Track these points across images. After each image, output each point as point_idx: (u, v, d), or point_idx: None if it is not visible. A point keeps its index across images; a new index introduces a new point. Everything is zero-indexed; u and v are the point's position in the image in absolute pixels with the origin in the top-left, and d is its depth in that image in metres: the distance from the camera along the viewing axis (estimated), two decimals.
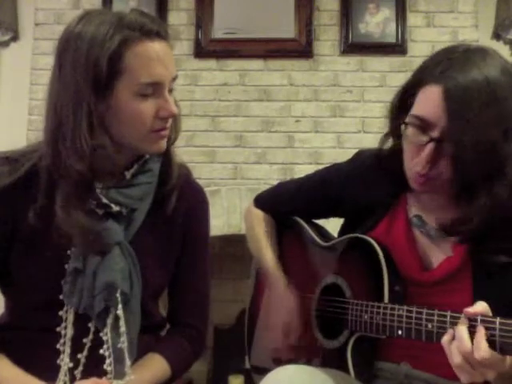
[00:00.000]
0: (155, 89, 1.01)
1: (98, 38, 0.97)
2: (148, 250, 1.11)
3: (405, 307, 0.99)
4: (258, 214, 1.40)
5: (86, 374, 1.02)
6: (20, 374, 1.00)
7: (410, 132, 1.01)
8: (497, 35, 2.81)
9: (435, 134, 0.98)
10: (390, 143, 1.16)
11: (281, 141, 2.69)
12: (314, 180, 1.32)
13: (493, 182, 0.96)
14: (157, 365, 1.12)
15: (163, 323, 1.23)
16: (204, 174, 2.63)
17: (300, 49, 2.70)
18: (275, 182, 1.45)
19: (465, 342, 0.84)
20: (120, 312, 1.04)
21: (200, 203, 1.23)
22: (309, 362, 1.18)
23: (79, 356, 1.04)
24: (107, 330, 1.04)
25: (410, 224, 1.14)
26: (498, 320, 0.84)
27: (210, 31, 2.72)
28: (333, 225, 1.34)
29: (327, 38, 2.73)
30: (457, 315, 0.89)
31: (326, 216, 1.37)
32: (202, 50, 2.72)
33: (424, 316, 0.94)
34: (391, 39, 2.69)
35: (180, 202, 1.16)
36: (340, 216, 1.31)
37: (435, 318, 0.93)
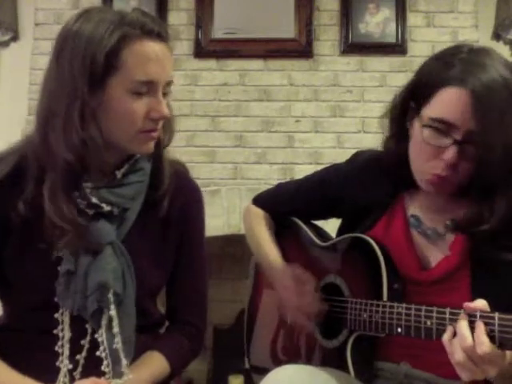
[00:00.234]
0: (149, 88, 1.00)
1: (96, 34, 0.97)
2: (142, 249, 1.11)
3: (404, 305, 0.99)
4: (258, 213, 1.40)
5: (85, 375, 1.02)
6: (18, 378, 1.00)
7: (428, 134, 1.01)
8: (497, 35, 2.81)
9: (458, 136, 0.98)
10: (389, 143, 1.16)
11: (281, 141, 2.69)
12: (313, 181, 1.33)
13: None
14: (156, 362, 1.12)
15: (162, 321, 1.22)
16: (204, 174, 2.63)
17: (300, 49, 2.70)
18: (275, 182, 1.45)
19: (466, 337, 0.84)
20: (113, 312, 1.03)
21: (195, 201, 1.22)
22: (308, 362, 1.18)
23: (78, 357, 1.04)
24: (102, 330, 1.03)
25: (408, 224, 1.15)
26: (496, 315, 0.85)
27: (209, 31, 2.72)
28: (331, 225, 1.34)
29: (327, 38, 2.73)
30: (456, 311, 0.90)
31: (324, 216, 1.37)
32: (202, 50, 2.72)
33: (423, 313, 0.95)
34: (391, 39, 2.69)
35: (175, 200, 1.15)
36: (338, 216, 1.32)
37: (434, 314, 0.93)
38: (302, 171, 2.55)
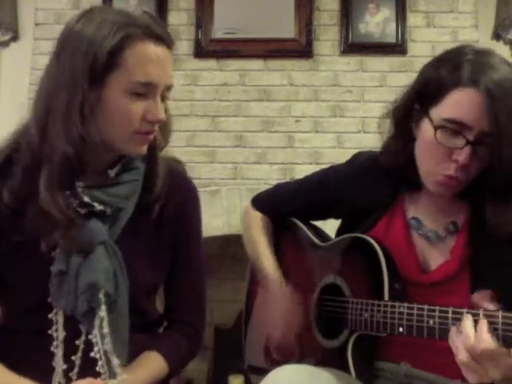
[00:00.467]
0: (148, 90, 1.00)
1: (98, 35, 0.97)
2: (135, 249, 1.10)
3: (405, 304, 0.99)
4: (256, 216, 1.40)
5: (81, 376, 1.02)
6: (15, 379, 1.00)
7: (441, 135, 1.01)
8: (497, 35, 2.80)
9: (471, 136, 0.98)
10: (391, 144, 1.16)
11: (281, 141, 2.69)
12: (313, 181, 1.32)
13: None
14: (153, 362, 1.12)
15: (160, 320, 1.22)
16: (204, 174, 2.63)
17: (300, 49, 2.70)
18: (275, 182, 1.45)
19: (470, 336, 0.84)
20: (103, 313, 1.02)
21: (191, 201, 1.21)
22: (308, 362, 1.18)
23: (73, 358, 1.04)
24: (96, 331, 1.02)
25: (408, 226, 1.15)
26: (500, 313, 0.85)
27: (210, 31, 2.72)
28: (330, 226, 1.34)
29: (327, 38, 2.73)
30: (459, 311, 0.90)
31: (324, 217, 1.37)
32: (202, 50, 2.71)
33: (425, 312, 0.95)
34: (391, 39, 2.69)
35: (170, 199, 1.14)
36: (338, 217, 1.32)
37: (437, 314, 0.93)
38: (302, 171, 2.55)
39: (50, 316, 1.04)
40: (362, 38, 2.70)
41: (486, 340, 0.83)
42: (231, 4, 2.74)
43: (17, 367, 1.01)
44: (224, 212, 2.61)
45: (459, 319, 0.89)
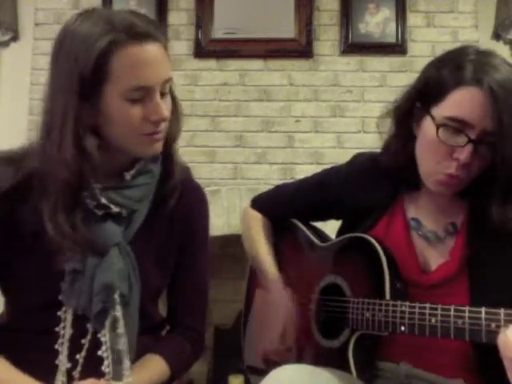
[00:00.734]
0: (144, 93, 0.98)
1: (84, 44, 0.95)
2: (147, 251, 1.11)
3: (407, 303, 0.99)
4: (255, 216, 1.40)
5: (84, 375, 1.02)
6: (19, 377, 1.00)
7: (443, 134, 1.01)
8: (497, 35, 2.81)
9: (473, 135, 0.98)
10: (391, 144, 1.16)
11: (281, 141, 2.69)
12: (313, 182, 1.32)
13: None
14: (156, 365, 1.12)
15: (163, 324, 1.22)
16: (204, 174, 2.63)
17: (300, 49, 2.70)
18: (275, 182, 1.45)
19: None
20: (118, 313, 1.03)
21: (200, 202, 1.22)
22: (308, 363, 1.18)
23: (77, 357, 1.04)
24: (105, 331, 1.03)
25: (408, 226, 1.15)
26: (502, 311, 0.85)
27: (209, 31, 2.72)
28: (331, 227, 1.34)
29: (327, 38, 2.73)
30: (461, 309, 0.90)
31: (324, 218, 1.37)
32: (202, 50, 2.71)
33: (427, 311, 0.95)
34: (391, 39, 2.69)
35: (179, 202, 1.15)
36: (338, 218, 1.32)
37: (439, 312, 0.93)
38: (302, 171, 2.55)
39: (58, 313, 1.04)
40: (361, 37, 2.70)
41: None
42: (231, 4, 2.74)
43: (20, 365, 1.01)
44: (224, 212, 2.61)
45: (461, 317, 0.89)
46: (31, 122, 2.68)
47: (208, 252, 1.26)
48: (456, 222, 1.11)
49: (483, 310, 0.87)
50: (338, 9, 2.73)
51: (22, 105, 2.70)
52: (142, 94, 0.98)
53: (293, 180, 1.43)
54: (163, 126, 1.03)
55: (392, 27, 2.69)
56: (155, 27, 1.00)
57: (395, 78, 2.65)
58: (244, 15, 2.74)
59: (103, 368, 1.03)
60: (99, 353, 1.03)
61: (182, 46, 2.72)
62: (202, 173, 2.61)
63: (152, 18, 2.59)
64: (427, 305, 0.96)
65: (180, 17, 2.76)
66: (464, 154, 0.99)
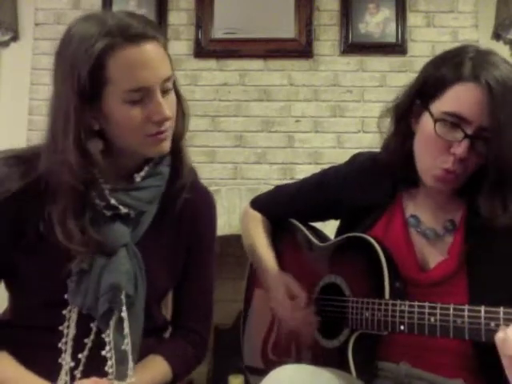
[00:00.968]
0: (144, 94, 0.98)
1: (78, 54, 0.95)
2: (154, 252, 1.11)
3: (407, 302, 0.99)
4: (255, 216, 1.40)
5: (86, 374, 1.02)
6: (25, 374, 1.00)
7: (440, 128, 1.02)
8: (497, 35, 2.81)
9: (470, 130, 0.99)
10: (391, 142, 1.16)
11: (281, 141, 2.69)
12: (312, 182, 1.33)
13: None
14: (158, 366, 1.12)
15: (166, 325, 1.22)
16: (204, 174, 2.60)
17: (300, 49, 2.70)
18: (275, 182, 1.45)
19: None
20: (124, 314, 1.03)
21: (208, 205, 1.23)
22: (307, 362, 1.18)
23: (80, 356, 1.04)
24: (110, 331, 1.03)
25: (407, 224, 1.15)
26: (501, 310, 0.86)
27: (209, 31, 2.72)
28: (331, 228, 1.34)
29: (327, 38, 2.73)
30: (460, 307, 0.90)
31: (323, 218, 1.37)
32: (202, 50, 2.72)
33: (426, 310, 0.95)
34: (391, 39, 2.69)
35: (188, 203, 1.15)
36: (337, 218, 1.32)
37: (438, 311, 0.93)
38: (302, 171, 2.55)
39: (63, 312, 1.04)
40: (362, 38, 2.70)
41: None
42: (231, 4, 2.74)
43: (22, 363, 1.01)
44: (224, 212, 2.61)
45: (460, 316, 0.89)
46: (31, 122, 2.68)
47: (215, 256, 1.25)
48: (455, 219, 1.11)
49: (482, 308, 0.87)
50: (338, 9, 2.73)
51: (22, 105, 2.71)
52: (141, 95, 0.98)
53: (293, 180, 1.43)
54: (168, 124, 1.02)
55: (392, 27, 2.69)
56: (152, 27, 1.00)
57: (395, 77, 2.65)
58: (244, 15, 2.74)
59: (106, 368, 1.03)
60: (103, 353, 1.03)
61: (182, 45, 2.72)
62: (202, 173, 2.57)
63: (152, 18, 2.61)
64: (426, 304, 0.96)
65: (180, 17, 2.76)
66: (460, 149, 0.99)
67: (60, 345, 1.04)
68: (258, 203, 1.42)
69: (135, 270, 1.05)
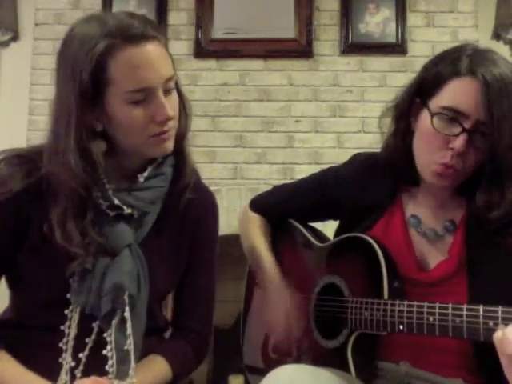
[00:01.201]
0: (146, 94, 0.98)
1: (80, 55, 0.95)
2: (157, 253, 1.11)
3: (405, 302, 0.99)
4: (253, 217, 1.40)
5: (86, 374, 1.02)
6: (25, 374, 1.00)
7: (438, 123, 1.02)
8: (497, 35, 2.81)
9: (467, 125, 1.00)
10: (391, 140, 1.16)
11: (281, 141, 2.69)
12: (311, 183, 1.33)
13: None
14: (159, 366, 1.12)
15: (166, 326, 1.23)
16: (204, 174, 2.57)
17: (300, 49, 2.70)
18: (275, 182, 1.45)
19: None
20: (127, 314, 1.03)
21: (211, 206, 1.23)
22: (306, 362, 1.18)
23: (80, 355, 1.04)
24: (112, 331, 1.03)
25: (407, 224, 1.15)
26: (500, 309, 0.85)
27: (209, 31, 2.72)
28: (331, 228, 1.34)
29: (327, 38, 2.73)
30: (459, 307, 0.90)
31: (322, 218, 1.37)
32: (202, 50, 2.72)
33: (425, 310, 0.95)
34: (391, 39, 2.70)
35: (191, 204, 1.15)
36: (336, 218, 1.32)
37: (436, 310, 0.93)
38: (302, 171, 2.55)
39: (65, 312, 1.04)
40: (362, 37, 2.70)
41: None
42: (231, 4, 2.74)
43: (23, 362, 1.01)
44: (224, 212, 2.61)
45: (459, 315, 0.89)
46: (31, 122, 2.68)
47: (217, 256, 1.25)
48: (455, 219, 1.11)
49: (481, 308, 0.87)
50: (338, 9, 2.73)
51: (22, 105, 2.71)
52: (143, 96, 0.98)
53: (292, 180, 1.43)
54: (171, 124, 1.02)
55: (392, 27, 2.70)
56: (153, 27, 1.00)
57: (395, 77, 2.66)
58: (244, 15, 2.74)
59: (107, 367, 1.03)
60: (104, 352, 1.03)
61: (182, 45, 2.72)
62: (202, 173, 2.58)
63: (152, 18, 2.61)
64: (425, 303, 0.96)
65: (180, 17, 2.76)
66: (459, 143, 1.00)
67: (61, 344, 1.04)
68: (257, 203, 1.42)
69: (138, 270, 1.05)
